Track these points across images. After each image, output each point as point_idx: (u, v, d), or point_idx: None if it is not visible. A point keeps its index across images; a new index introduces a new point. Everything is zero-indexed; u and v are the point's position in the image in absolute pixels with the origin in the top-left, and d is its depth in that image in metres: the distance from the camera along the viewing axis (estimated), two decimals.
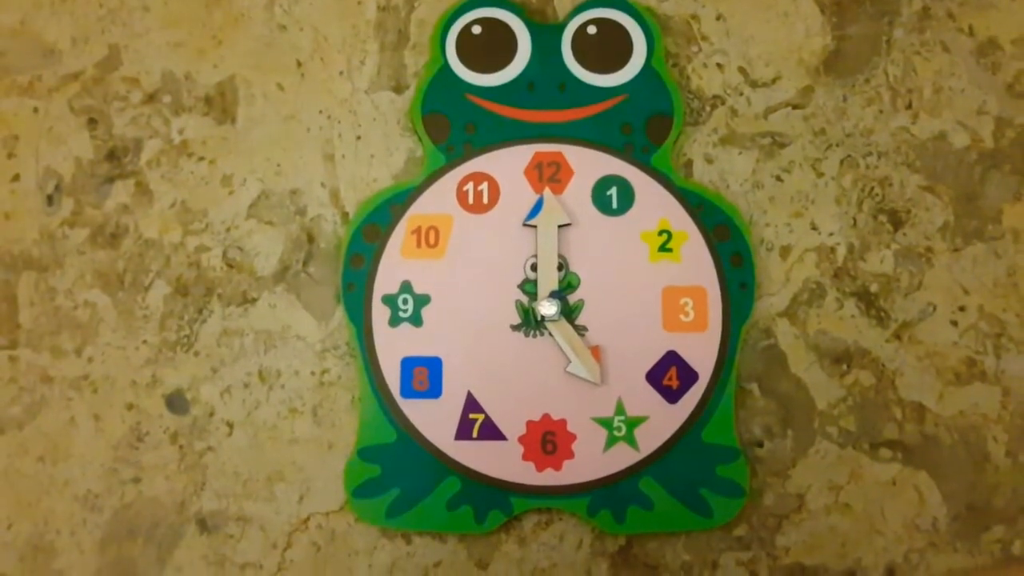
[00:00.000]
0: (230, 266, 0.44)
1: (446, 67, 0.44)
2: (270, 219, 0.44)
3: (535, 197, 0.43)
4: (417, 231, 0.43)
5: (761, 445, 0.43)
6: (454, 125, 0.44)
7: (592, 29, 0.45)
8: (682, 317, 0.42)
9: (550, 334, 0.42)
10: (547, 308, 0.41)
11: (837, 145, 0.45)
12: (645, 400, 0.42)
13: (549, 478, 0.41)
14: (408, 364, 0.42)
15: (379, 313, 0.42)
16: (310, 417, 0.43)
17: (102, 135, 0.45)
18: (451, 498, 0.41)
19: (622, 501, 0.41)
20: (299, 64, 0.45)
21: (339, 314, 0.43)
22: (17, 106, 0.45)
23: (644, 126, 0.44)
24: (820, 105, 0.45)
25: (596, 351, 0.42)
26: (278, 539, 0.42)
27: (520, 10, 0.45)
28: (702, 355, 0.42)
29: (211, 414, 0.43)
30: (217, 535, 0.42)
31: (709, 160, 0.45)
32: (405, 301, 0.42)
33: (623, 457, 0.42)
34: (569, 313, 0.42)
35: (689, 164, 0.45)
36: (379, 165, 0.45)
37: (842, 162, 0.45)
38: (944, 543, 0.42)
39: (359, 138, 0.45)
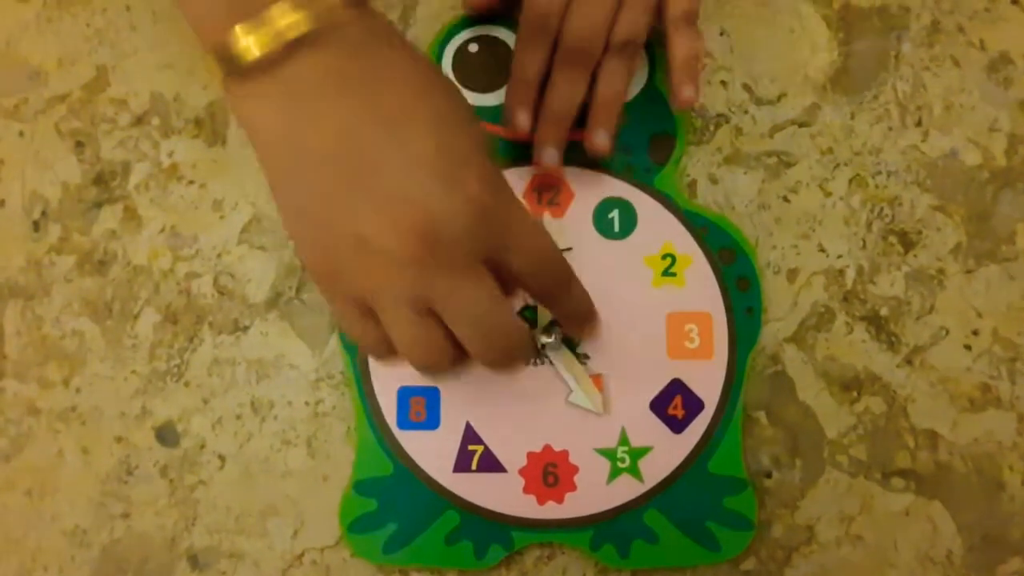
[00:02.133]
0: (221, 293, 0.43)
1: None
2: (262, 244, 0.43)
3: None
4: None
5: (769, 475, 0.41)
6: None
7: None
8: (687, 344, 0.41)
9: (551, 363, 0.41)
10: (547, 336, 0.40)
11: (845, 164, 0.43)
12: (649, 430, 0.41)
13: (551, 511, 0.40)
14: (405, 394, 0.41)
15: None
16: (304, 449, 0.42)
17: (89, 159, 0.44)
18: (450, 532, 0.40)
19: (626, 535, 0.40)
20: None
21: (333, 342, 0.42)
22: (2, 130, 0.44)
23: (646, 146, 0.43)
24: (827, 123, 0.44)
25: (598, 380, 0.40)
26: None
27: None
28: (708, 383, 0.41)
29: (202, 446, 0.42)
30: (209, 572, 0.41)
31: (714, 180, 0.43)
32: None
33: (627, 489, 0.40)
34: (570, 341, 0.41)
35: (693, 185, 0.43)
36: None
37: (850, 182, 0.43)
38: None
39: None
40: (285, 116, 0.30)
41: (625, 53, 0.40)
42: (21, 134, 0.44)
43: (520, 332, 0.32)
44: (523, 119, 0.40)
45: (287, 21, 0.28)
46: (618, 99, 0.40)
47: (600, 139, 0.40)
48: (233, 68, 0.29)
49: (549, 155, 0.40)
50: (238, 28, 0.28)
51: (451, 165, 0.29)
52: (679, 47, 0.40)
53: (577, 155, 0.41)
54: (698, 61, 0.40)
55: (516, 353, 0.33)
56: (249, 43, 0.28)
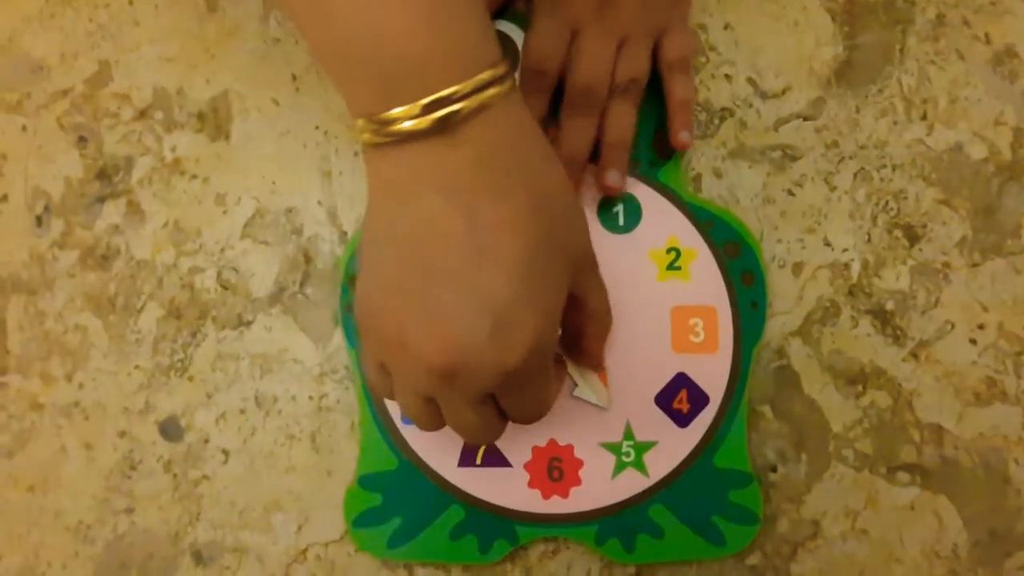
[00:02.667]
0: (225, 288, 0.43)
1: None
2: (265, 239, 0.43)
3: None
4: None
5: (775, 470, 0.41)
6: None
7: None
8: (692, 338, 0.41)
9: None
10: None
11: (850, 158, 0.43)
12: (654, 424, 0.40)
13: (556, 506, 0.40)
14: None
15: None
16: (308, 444, 0.42)
17: (92, 153, 0.44)
18: (454, 527, 0.40)
19: (631, 529, 0.40)
20: (294, 78, 0.44)
21: (337, 337, 0.42)
22: (5, 124, 0.44)
23: (650, 141, 0.43)
24: (832, 116, 0.44)
25: (603, 375, 0.40)
26: (276, 571, 0.41)
27: (523, 22, 0.43)
28: (713, 377, 0.41)
29: (206, 441, 0.42)
30: (212, 567, 0.41)
31: (718, 174, 0.43)
32: None
33: (632, 483, 0.40)
34: None
35: (698, 178, 0.43)
36: None
37: (855, 175, 0.43)
38: (965, 570, 0.41)
39: (357, 154, 0.44)
40: (402, 189, 0.30)
41: (629, 94, 0.41)
42: (24, 129, 0.44)
43: (499, 434, 0.35)
44: None
45: (439, 97, 0.28)
46: (626, 140, 0.41)
47: (613, 179, 0.41)
48: (378, 134, 0.29)
49: None
50: (398, 109, 0.29)
51: (510, 321, 0.29)
52: (674, 91, 0.41)
53: None
54: (691, 105, 0.42)
55: (490, 442, 0.37)
56: (401, 119, 0.29)
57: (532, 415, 0.34)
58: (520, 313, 0.29)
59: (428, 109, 0.28)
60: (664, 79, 0.42)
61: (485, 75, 0.29)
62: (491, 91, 0.29)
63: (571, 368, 0.40)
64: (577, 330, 0.37)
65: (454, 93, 0.28)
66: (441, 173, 0.29)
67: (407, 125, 0.29)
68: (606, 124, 0.41)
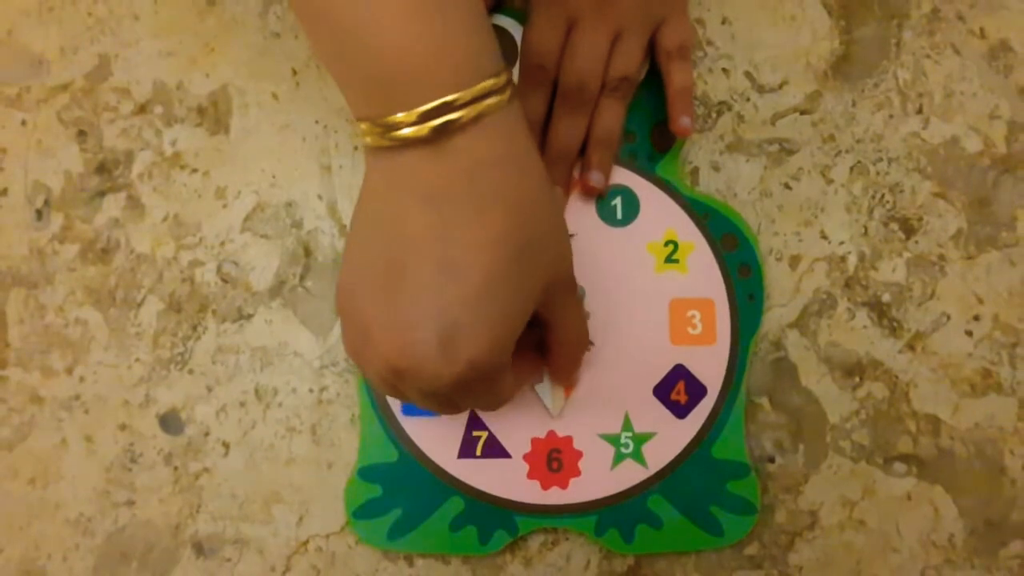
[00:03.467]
0: (225, 281, 0.43)
1: None
2: (265, 232, 0.43)
3: None
4: None
5: (772, 460, 0.42)
6: None
7: None
8: (690, 330, 0.41)
9: None
10: None
11: (846, 151, 0.44)
12: (653, 416, 0.41)
13: (555, 497, 0.40)
14: None
15: None
16: (308, 436, 0.42)
17: (92, 148, 0.44)
18: (454, 519, 0.40)
19: (630, 520, 0.40)
20: (294, 72, 0.44)
21: (337, 329, 0.42)
22: (5, 118, 0.44)
23: (648, 134, 0.43)
24: (828, 110, 0.44)
25: (569, 389, 0.41)
26: (276, 563, 0.41)
27: (521, 16, 0.43)
28: (710, 369, 0.41)
29: (206, 434, 0.42)
30: (213, 559, 0.41)
31: (716, 168, 0.44)
32: None
33: (631, 474, 0.40)
34: None
35: (695, 172, 0.44)
36: None
37: (852, 169, 0.44)
38: (961, 559, 0.41)
39: (356, 148, 0.44)
40: (389, 190, 0.30)
41: (620, 91, 0.41)
42: (24, 123, 0.44)
43: (458, 413, 0.36)
44: None
45: (438, 104, 0.29)
46: (612, 139, 0.41)
47: (595, 180, 0.41)
48: (382, 138, 0.30)
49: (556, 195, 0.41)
50: (399, 115, 0.29)
51: (459, 337, 0.30)
52: (673, 79, 0.41)
53: None
54: (691, 93, 0.42)
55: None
56: (401, 125, 0.29)
57: (484, 410, 0.35)
58: (472, 330, 0.30)
59: (426, 116, 0.29)
60: (663, 67, 0.42)
61: (486, 84, 0.29)
62: (490, 101, 0.29)
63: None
64: (548, 350, 0.37)
65: (454, 101, 0.29)
66: (428, 182, 0.30)
67: (406, 132, 0.29)
68: (595, 121, 0.41)
